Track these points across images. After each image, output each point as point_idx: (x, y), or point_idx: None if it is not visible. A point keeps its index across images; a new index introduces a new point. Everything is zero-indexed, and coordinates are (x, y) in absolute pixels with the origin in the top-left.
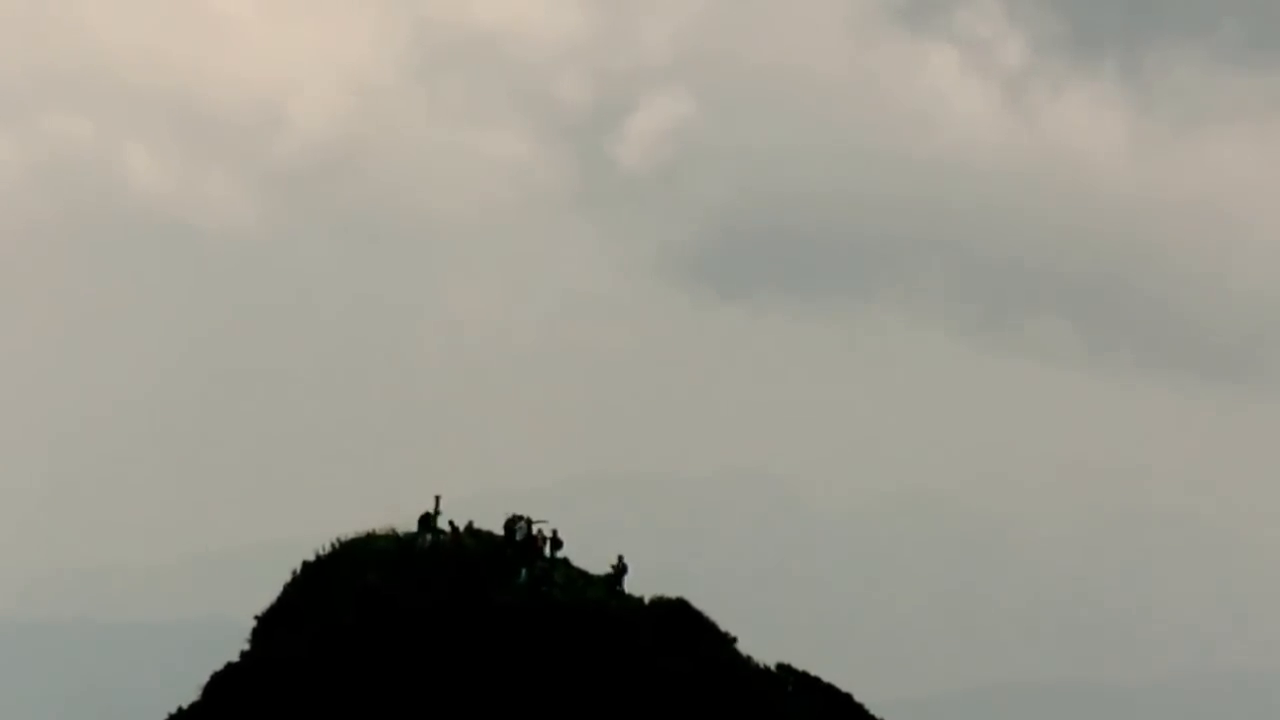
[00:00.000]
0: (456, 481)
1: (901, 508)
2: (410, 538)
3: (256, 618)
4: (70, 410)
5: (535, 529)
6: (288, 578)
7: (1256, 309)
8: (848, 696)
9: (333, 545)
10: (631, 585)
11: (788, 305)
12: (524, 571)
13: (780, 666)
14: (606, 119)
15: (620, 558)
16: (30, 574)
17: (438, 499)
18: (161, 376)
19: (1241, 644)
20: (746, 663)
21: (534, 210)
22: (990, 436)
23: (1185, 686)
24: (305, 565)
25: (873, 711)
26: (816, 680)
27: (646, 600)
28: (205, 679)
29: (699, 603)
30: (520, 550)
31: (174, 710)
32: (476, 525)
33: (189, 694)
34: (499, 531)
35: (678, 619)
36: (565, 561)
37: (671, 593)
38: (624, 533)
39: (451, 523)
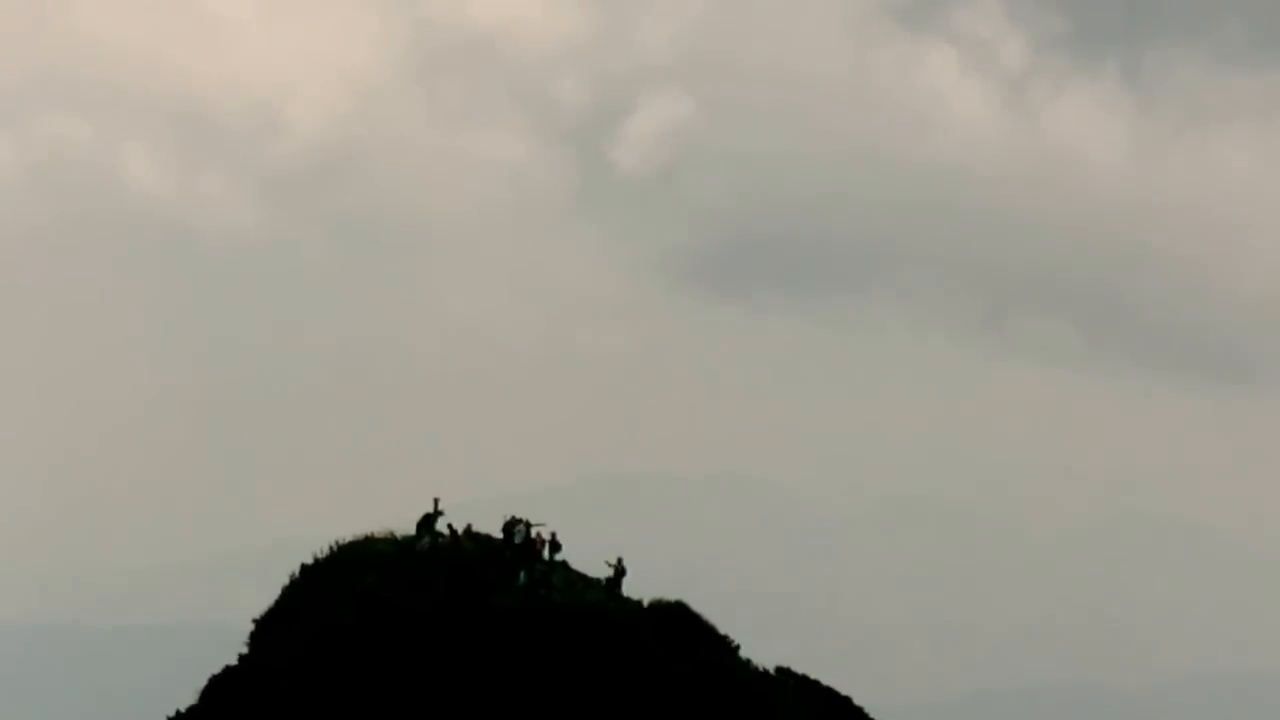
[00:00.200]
0: (455, 484)
1: (901, 508)
2: (409, 540)
3: (255, 621)
4: (69, 412)
5: (534, 531)
6: (286, 581)
7: (1257, 310)
8: (847, 700)
9: (331, 548)
10: (630, 587)
11: (787, 306)
12: (523, 574)
13: (780, 669)
14: (605, 120)
15: (619, 560)
16: (29, 577)
17: (436, 501)
18: (160, 378)
19: (1243, 646)
20: (746, 666)
21: (533, 212)
22: (990, 438)
23: (1187, 689)
24: (304, 568)
25: (873, 716)
26: (816, 684)
27: (645, 603)
28: (203, 682)
29: (698, 605)
30: (519, 553)
31: (172, 713)
32: (475, 528)
33: (187, 697)
34: (498, 534)
35: (677, 621)
36: (564, 564)
37: (670, 595)
38: (623, 534)
39: (450, 525)
